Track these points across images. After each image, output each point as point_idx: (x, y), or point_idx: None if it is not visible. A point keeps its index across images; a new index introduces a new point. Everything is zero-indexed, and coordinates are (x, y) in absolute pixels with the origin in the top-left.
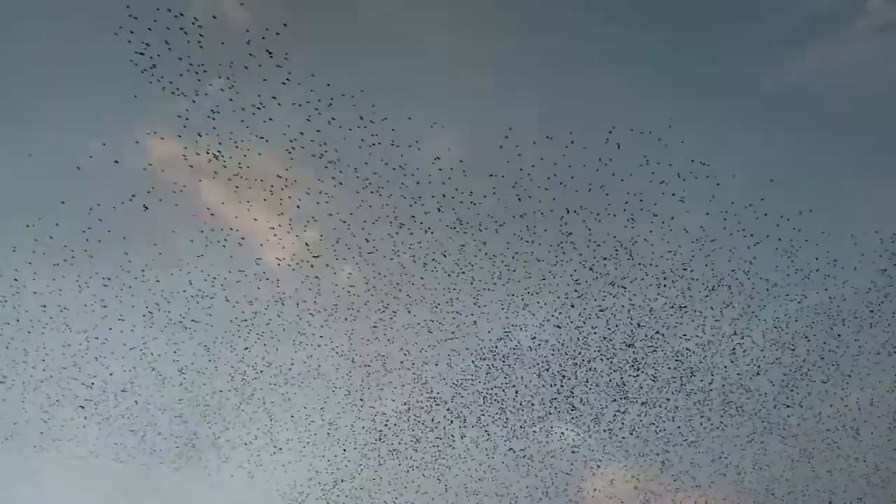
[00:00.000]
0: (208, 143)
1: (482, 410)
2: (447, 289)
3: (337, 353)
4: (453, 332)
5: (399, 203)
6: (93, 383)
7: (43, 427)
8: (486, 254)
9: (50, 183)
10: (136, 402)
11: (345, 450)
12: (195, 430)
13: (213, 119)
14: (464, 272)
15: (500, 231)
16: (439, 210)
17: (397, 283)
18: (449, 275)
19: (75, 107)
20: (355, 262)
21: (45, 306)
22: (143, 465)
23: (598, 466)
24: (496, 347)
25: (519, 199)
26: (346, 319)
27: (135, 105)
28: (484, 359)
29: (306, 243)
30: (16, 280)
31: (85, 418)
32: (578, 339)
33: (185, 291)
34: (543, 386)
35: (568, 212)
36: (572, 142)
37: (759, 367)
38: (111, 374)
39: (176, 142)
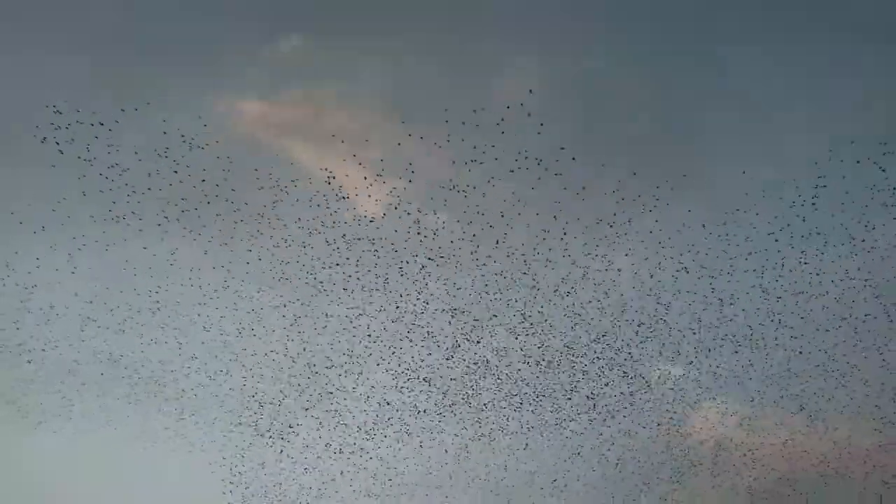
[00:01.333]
0: (293, 101)
1: (584, 352)
2: (540, 235)
3: (437, 302)
4: (549, 277)
5: (486, 148)
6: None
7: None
8: (577, 193)
9: (146, 156)
10: (253, 353)
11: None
12: (308, 382)
13: (296, 78)
14: (556, 217)
15: (588, 172)
16: (524, 156)
17: (492, 228)
18: (541, 219)
19: (162, 75)
20: (448, 211)
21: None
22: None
23: (703, 402)
24: (587, 292)
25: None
26: (442, 267)
27: (217, 71)
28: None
29: (399, 193)
30: (145, 249)
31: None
32: (674, 280)
33: (283, 251)
34: (643, 324)
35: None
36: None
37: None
38: (221, 333)
39: (261, 103)
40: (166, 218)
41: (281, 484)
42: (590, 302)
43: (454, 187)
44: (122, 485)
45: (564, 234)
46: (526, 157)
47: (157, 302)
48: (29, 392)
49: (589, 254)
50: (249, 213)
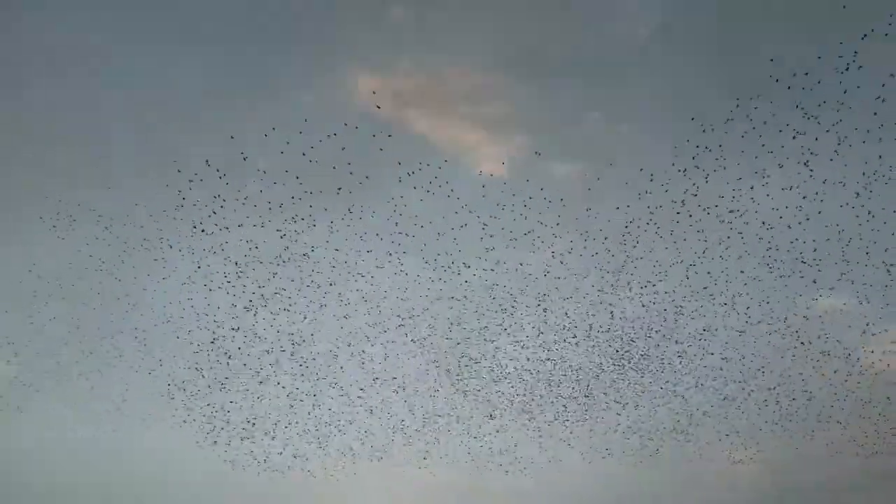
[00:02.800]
0: (407, 70)
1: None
2: (669, 173)
3: (570, 253)
4: (688, 217)
5: (603, 96)
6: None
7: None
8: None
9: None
10: (401, 323)
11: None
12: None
13: (407, 47)
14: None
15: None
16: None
17: (617, 176)
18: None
19: (281, 54)
20: (567, 162)
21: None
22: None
23: (875, 332)
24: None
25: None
26: (573, 218)
27: (331, 48)
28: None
29: (521, 150)
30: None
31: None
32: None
33: (408, 216)
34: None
35: None
36: None
37: None
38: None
39: (376, 75)
40: (293, 199)
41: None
42: (740, 233)
43: (576, 138)
44: None
45: (698, 167)
46: (648, 102)
47: (299, 280)
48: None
49: (736, 188)
50: (373, 185)
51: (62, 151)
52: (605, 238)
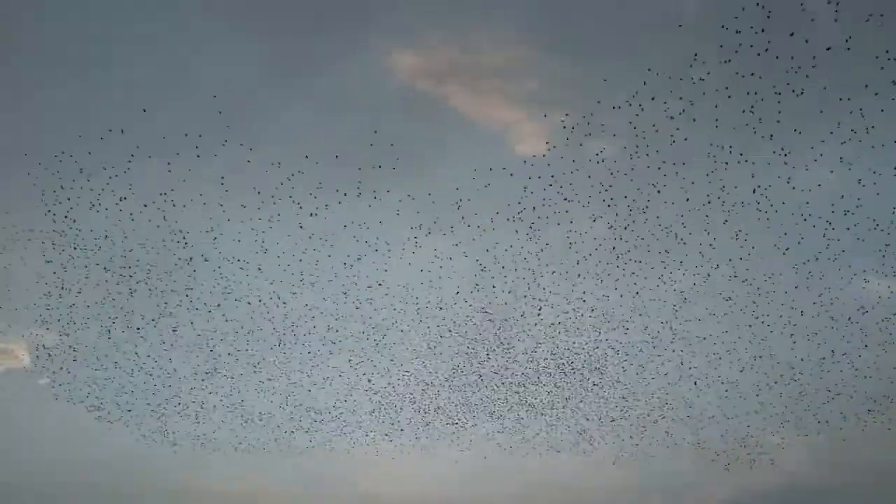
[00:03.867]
0: (440, 47)
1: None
2: (715, 152)
3: (610, 232)
4: (735, 192)
5: (644, 70)
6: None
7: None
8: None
9: (310, 113)
10: (440, 307)
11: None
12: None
13: (442, 21)
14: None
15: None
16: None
17: (657, 153)
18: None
19: (313, 33)
20: (609, 139)
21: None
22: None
23: None
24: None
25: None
26: (610, 197)
27: (364, 24)
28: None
29: (560, 126)
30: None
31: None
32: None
33: (445, 195)
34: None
35: None
36: None
37: None
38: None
39: (410, 52)
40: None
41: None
42: (792, 214)
43: (618, 114)
44: None
45: (744, 145)
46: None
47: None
48: None
49: (788, 162)
50: (409, 164)
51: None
52: (647, 219)
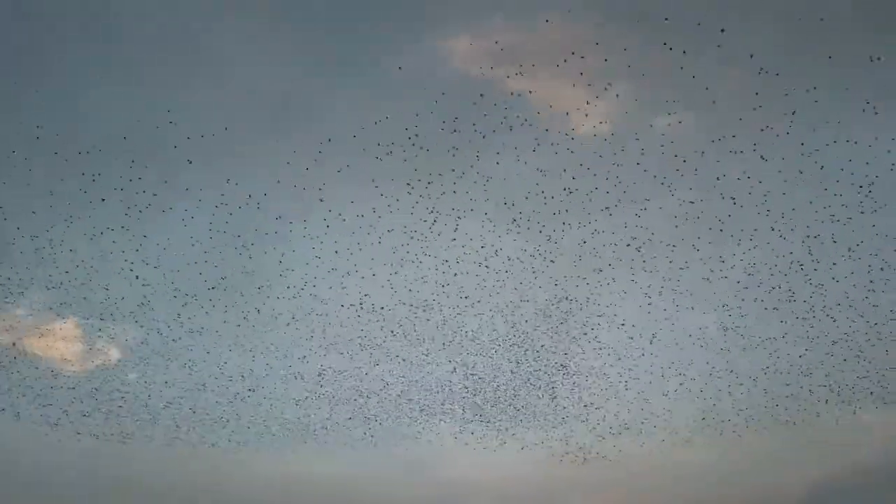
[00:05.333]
0: (496, 29)
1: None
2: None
3: (682, 210)
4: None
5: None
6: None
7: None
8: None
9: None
10: (515, 288)
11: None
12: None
13: (494, 5)
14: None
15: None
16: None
17: (724, 126)
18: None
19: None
20: (675, 113)
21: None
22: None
23: None
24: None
25: None
26: (681, 175)
27: (419, 12)
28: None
29: (625, 102)
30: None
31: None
32: None
33: (508, 180)
34: None
35: None
36: None
37: None
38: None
39: (466, 37)
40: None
41: None
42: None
43: (683, 87)
44: None
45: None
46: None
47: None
48: None
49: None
50: (470, 150)
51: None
52: (722, 193)
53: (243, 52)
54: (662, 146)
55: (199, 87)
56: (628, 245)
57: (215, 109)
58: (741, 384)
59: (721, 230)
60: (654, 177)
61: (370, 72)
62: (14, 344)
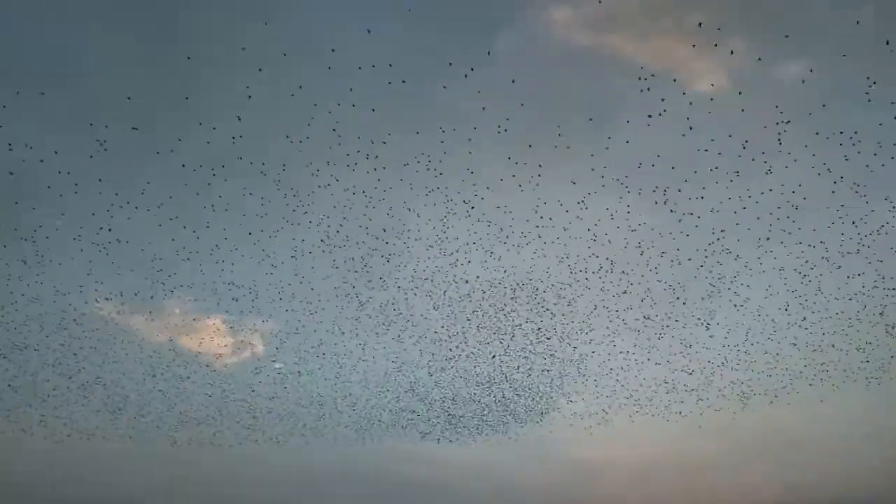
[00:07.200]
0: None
1: None
2: None
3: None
4: None
5: None
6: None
7: None
8: None
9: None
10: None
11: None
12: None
13: None
14: None
15: None
16: None
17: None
18: None
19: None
20: (796, 62)
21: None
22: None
23: None
24: None
25: None
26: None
27: None
28: None
29: (735, 56)
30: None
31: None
32: None
33: (621, 148)
34: None
35: None
36: None
37: None
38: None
39: (567, 6)
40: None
41: None
42: None
43: (802, 33)
44: None
45: None
46: None
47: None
48: None
49: None
50: (579, 120)
51: None
52: (861, 151)
53: (358, 46)
54: (786, 100)
55: (320, 86)
56: (779, 208)
57: (330, 113)
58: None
59: (866, 185)
60: (780, 134)
61: (473, 54)
62: (170, 340)
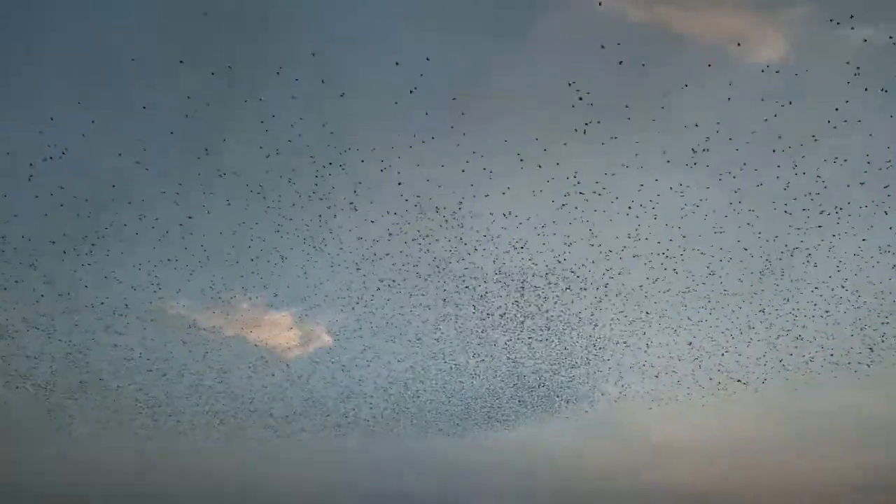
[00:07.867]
0: None
1: None
2: None
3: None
4: None
5: None
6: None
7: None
8: None
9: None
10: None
11: None
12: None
13: None
14: None
15: None
16: None
17: None
18: None
19: None
20: (865, 25)
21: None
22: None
23: None
24: None
25: None
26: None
27: None
28: None
29: (799, 22)
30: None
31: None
32: None
33: (682, 125)
34: None
35: None
36: None
37: None
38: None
39: None
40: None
41: None
42: None
43: None
44: None
45: None
46: None
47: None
48: None
49: None
50: (638, 98)
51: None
52: None
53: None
54: (857, 64)
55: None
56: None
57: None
58: None
59: None
60: (846, 102)
61: (526, 37)
62: (242, 330)
